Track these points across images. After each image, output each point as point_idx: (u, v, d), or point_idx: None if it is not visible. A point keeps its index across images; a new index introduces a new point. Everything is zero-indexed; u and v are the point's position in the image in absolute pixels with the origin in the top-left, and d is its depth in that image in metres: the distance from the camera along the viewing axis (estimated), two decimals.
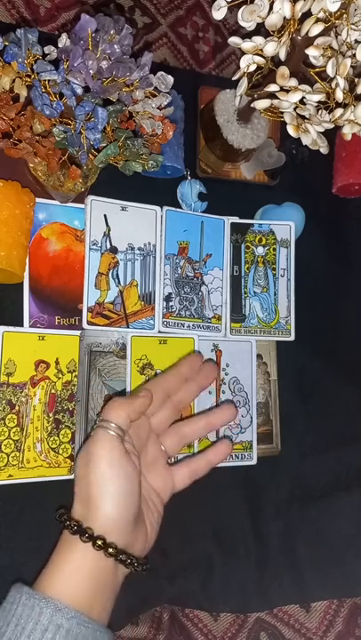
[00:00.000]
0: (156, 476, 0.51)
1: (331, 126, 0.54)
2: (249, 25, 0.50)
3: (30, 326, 0.53)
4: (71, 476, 0.52)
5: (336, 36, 0.50)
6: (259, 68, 0.52)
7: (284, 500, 0.62)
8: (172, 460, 0.55)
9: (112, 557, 0.43)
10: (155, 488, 0.50)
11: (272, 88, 0.50)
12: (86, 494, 0.45)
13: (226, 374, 0.60)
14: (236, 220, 0.63)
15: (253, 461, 0.60)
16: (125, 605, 0.52)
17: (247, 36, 0.50)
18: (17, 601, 0.41)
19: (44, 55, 0.48)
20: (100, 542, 0.43)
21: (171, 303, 0.58)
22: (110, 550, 0.43)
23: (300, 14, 0.47)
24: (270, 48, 0.49)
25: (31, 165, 0.51)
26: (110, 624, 0.45)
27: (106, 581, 0.44)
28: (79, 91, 0.47)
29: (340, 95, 0.49)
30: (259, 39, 0.50)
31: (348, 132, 0.54)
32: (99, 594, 0.43)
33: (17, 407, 0.51)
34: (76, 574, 0.43)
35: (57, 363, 0.53)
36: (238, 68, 0.52)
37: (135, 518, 0.46)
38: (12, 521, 0.52)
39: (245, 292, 0.62)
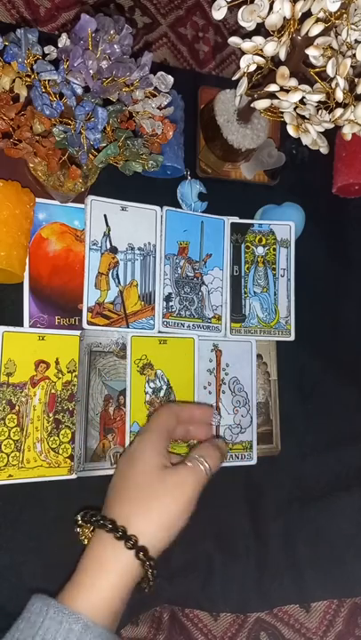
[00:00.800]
0: None
1: (331, 126, 0.54)
2: (249, 25, 0.50)
3: (30, 326, 0.53)
4: (71, 476, 0.52)
5: (336, 36, 0.50)
6: (259, 67, 0.52)
7: (284, 499, 0.62)
8: None
9: (148, 570, 0.42)
10: None
11: (272, 88, 0.50)
12: (135, 496, 0.44)
13: (226, 374, 0.60)
14: (236, 220, 0.63)
15: (253, 461, 0.60)
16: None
17: (247, 35, 0.50)
18: (44, 613, 0.39)
19: (44, 55, 0.48)
20: (143, 556, 0.42)
21: (171, 303, 0.58)
22: (150, 563, 0.42)
23: (300, 14, 0.47)
24: (270, 48, 0.49)
25: (31, 165, 0.51)
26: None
27: (131, 590, 0.43)
28: (79, 91, 0.47)
29: (340, 95, 0.49)
30: (259, 39, 0.50)
31: (348, 132, 0.54)
32: (123, 605, 0.43)
33: (17, 407, 0.51)
34: (111, 588, 0.41)
35: (57, 363, 0.53)
36: (238, 67, 0.52)
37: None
38: (12, 521, 0.51)
39: (245, 292, 0.62)
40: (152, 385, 0.56)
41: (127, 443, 0.54)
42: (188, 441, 0.56)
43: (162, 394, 0.57)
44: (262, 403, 0.62)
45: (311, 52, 0.48)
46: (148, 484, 0.45)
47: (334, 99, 0.50)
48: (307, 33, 0.47)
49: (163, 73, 0.50)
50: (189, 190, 0.61)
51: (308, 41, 0.48)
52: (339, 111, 0.52)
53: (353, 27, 0.48)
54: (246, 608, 0.58)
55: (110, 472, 0.52)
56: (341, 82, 0.49)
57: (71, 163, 0.51)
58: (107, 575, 0.42)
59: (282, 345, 0.63)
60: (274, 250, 0.63)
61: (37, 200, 0.53)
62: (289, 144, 0.66)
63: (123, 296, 0.56)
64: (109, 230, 0.57)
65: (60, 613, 0.39)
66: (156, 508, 0.44)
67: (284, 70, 0.49)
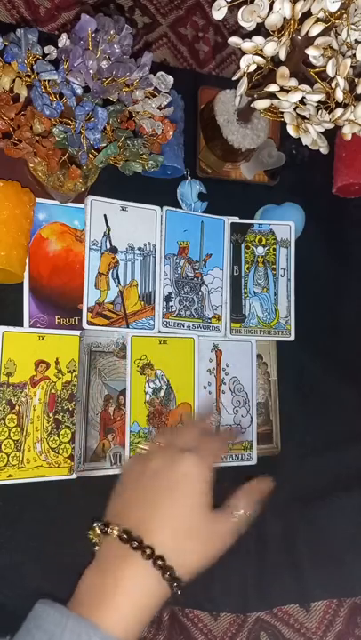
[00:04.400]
0: None
1: (331, 126, 0.54)
2: (249, 25, 0.50)
3: (30, 326, 0.53)
4: (71, 476, 0.52)
5: (336, 36, 0.50)
6: (259, 67, 0.52)
7: (284, 499, 0.61)
8: None
9: (164, 576, 0.41)
10: None
11: (272, 88, 0.50)
12: (179, 527, 0.43)
13: (226, 374, 0.60)
14: (236, 220, 0.63)
15: (253, 461, 0.60)
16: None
17: (247, 35, 0.50)
18: (63, 625, 0.38)
19: (44, 55, 0.48)
20: (159, 560, 0.41)
21: (171, 303, 0.58)
22: (177, 584, 0.41)
23: (300, 14, 0.47)
24: (270, 48, 0.49)
25: (31, 165, 0.51)
26: None
27: (156, 606, 0.42)
28: (79, 91, 0.47)
29: (340, 95, 0.49)
30: (259, 39, 0.50)
31: (348, 132, 0.54)
32: (145, 621, 0.41)
33: (17, 407, 0.51)
34: (133, 607, 0.40)
35: (57, 363, 0.53)
36: (238, 67, 0.52)
37: None
38: (12, 521, 0.52)
39: (245, 292, 0.62)
40: (152, 385, 0.57)
41: (127, 443, 0.54)
42: None
43: (162, 394, 0.57)
44: (262, 403, 0.62)
45: (311, 52, 0.48)
46: (196, 523, 0.44)
47: (334, 99, 0.50)
48: (307, 33, 0.47)
49: (163, 73, 0.50)
50: (189, 190, 0.61)
51: (308, 41, 0.48)
52: (339, 111, 0.52)
53: (353, 27, 0.48)
54: (246, 608, 0.58)
55: (110, 472, 0.52)
56: (341, 82, 0.49)
57: (71, 163, 0.51)
58: (129, 594, 0.41)
59: (282, 345, 0.63)
60: (274, 250, 0.63)
61: (37, 200, 0.53)
62: (289, 144, 0.66)
63: (123, 296, 0.56)
64: (109, 230, 0.57)
65: (79, 626, 0.38)
66: (201, 551, 0.44)
67: (284, 70, 0.49)
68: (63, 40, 0.47)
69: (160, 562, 0.41)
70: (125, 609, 0.41)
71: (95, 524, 0.43)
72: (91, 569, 0.42)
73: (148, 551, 0.41)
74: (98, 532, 0.43)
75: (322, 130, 0.55)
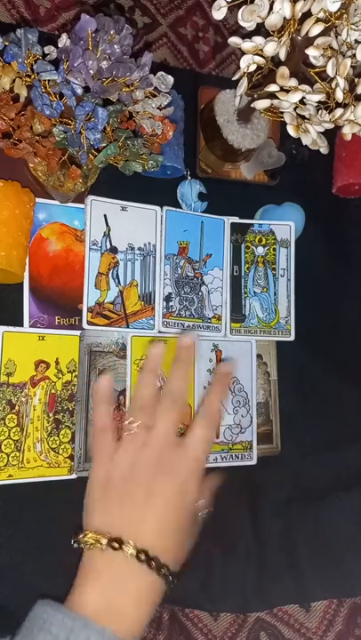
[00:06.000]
0: None
1: (331, 126, 0.54)
2: (249, 25, 0.50)
3: (30, 326, 0.53)
4: (71, 476, 0.52)
5: (336, 36, 0.50)
6: (259, 67, 0.52)
7: (284, 499, 0.61)
8: None
9: (167, 582, 0.43)
10: None
11: (272, 88, 0.50)
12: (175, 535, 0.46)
13: None
14: (236, 220, 0.63)
15: (253, 461, 0.60)
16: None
17: (247, 35, 0.50)
18: (69, 628, 0.38)
19: (44, 55, 0.48)
20: (170, 576, 0.43)
21: (171, 303, 0.58)
22: (171, 577, 0.43)
23: (300, 14, 0.47)
24: (270, 48, 0.49)
25: (31, 165, 0.51)
26: None
27: (157, 604, 0.44)
28: (79, 91, 0.47)
29: (340, 95, 0.49)
30: (259, 39, 0.50)
31: (348, 132, 0.54)
32: (149, 620, 0.43)
33: (17, 407, 0.51)
34: (136, 604, 0.42)
35: (57, 363, 0.53)
36: (238, 68, 0.52)
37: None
38: (12, 521, 0.52)
39: (245, 292, 0.62)
40: None
41: None
42: None
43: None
44: (262, 403, 0.62)
45: (311, 52, 0.48)
46: (189, 535, 0.48)
47: (334, 99, 0.50)
48: (307, 33, 0.47)
49: (163, 73, 0.50)
50: (189, 190, 0.61)
51: (308, 41, 0.48)
52: (339, 111, 0.52)
53: (353, 27, 0.48)
54: (246, 608, 0.58)
55: None
56: (341, 82, 0.48)
57: (71, 163, 0.51)
58: (127, 592, 0.42)
59: (282, 345, 0.63)
60: (274, 250, 0.63)
61: (37, 200, 0.53)
62: (289, 144, 0.66)
63: (123, 296, 0.56)
64: (109, 230, 0.57)
65: (87, 629, 0.38)
66: (185, 544, 0.47)
67: (284, 70, 0.49)
68: (63, 40, 0.47)
69: (164, 570, 0.42)
70: (129, 610, 0.41)
71: (100, 538, 0.43)
72: (91, 578, 0.43)
73: (165, 571, 0.43)
74: (104, 544, 0.43)
75: (322, 130, 0.55)
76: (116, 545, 0.42)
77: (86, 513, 0.46)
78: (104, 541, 0.43)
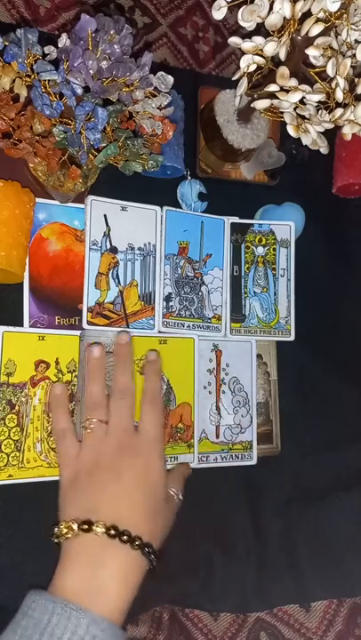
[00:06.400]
0: None
1: (331, 126, 0.54)
2: (249, 25, 0.50)
3: (30, 326, 0.53)
4: None
5: (336, 36, 0.50)
6: (259, 67, 0.52)
7: (284, 499, 0.62)
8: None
9: (146, 557, 0.45)
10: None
11: (272, 88, 0.50)
12: (154, 518, 0.47)
13: (226, 374, 0.60)
14: (236, 220, 0.63)
15: (253, 461, 0.60)
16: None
17: (247, 35, 0.50)
18: (50, 611, 0.40)
19: (44, 55, 0.48)
20: (145, 548, 0.44)
21: (171, 303, 0.58)
22: (147, 550, 0.44)
23: (300, 14, 0.47)
24: (270, 48, 0.49)
25: (31, 165, 0.51)
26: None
27: (139, 581, 0.45)
28: (79, 91, 0.47)
29: (340, 95, 0.49)
30: (259, 39, 0.50)
31: (348, 132, 0.54)
32: (131, 597, 0.44)
33: (17, 407, 0.51)
34: (114, 582, 0.43)
35: (57, 363, 0.53)
36: (238, 68, 0.52)
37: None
38: (12, 521, 0.52)
39: (245, 292, 0.62)
40: None
41: None
42: (188, 441, 0.56)
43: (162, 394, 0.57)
44: (262, 403, 0.62)
45: (311, 52, 0.48)
46: (161, 511, 0.49)
47: (334, 99, 0.50)
48: (307, 33, 0.47)
49: (163, 73, 0.50)
50: (189, 190, 0.61)
51: (308, 41, 0.48)
52: (339, 111, 0.52)
53: (353, 27, 0.48)
54: (246, 608, 0.58)
55: None
56: (341, 82, 0.49)
57: (71, 163, 0.51)
58: (106, 570, 0.44)
59: (282, 345, 0.63)
60: (274, 250, 0.63)
61: (37, 200, 0.53)
62: (289, 144, 0.66)
63: (123, 296, 0.56)
64: (109, 230, 0.57)
65: (67, 609, 0.40)
66: (166, 525, 0.50)
67: (284, 70, 0.49)
68: (63, 40, 0.47)
69: (138, 542, 0.44)
70: (110, 588, 0.43)
71: (71, 523, 0.45)
72: (69, 562, 0.44)
73: (139, 542, 0.44)
74: (75, 529, 0.44)
75: (322, 130, 0.55)
76: (86, 527, 0.44)
77: (59, 510, 0.48)
78: (75, 526, 0.44)
